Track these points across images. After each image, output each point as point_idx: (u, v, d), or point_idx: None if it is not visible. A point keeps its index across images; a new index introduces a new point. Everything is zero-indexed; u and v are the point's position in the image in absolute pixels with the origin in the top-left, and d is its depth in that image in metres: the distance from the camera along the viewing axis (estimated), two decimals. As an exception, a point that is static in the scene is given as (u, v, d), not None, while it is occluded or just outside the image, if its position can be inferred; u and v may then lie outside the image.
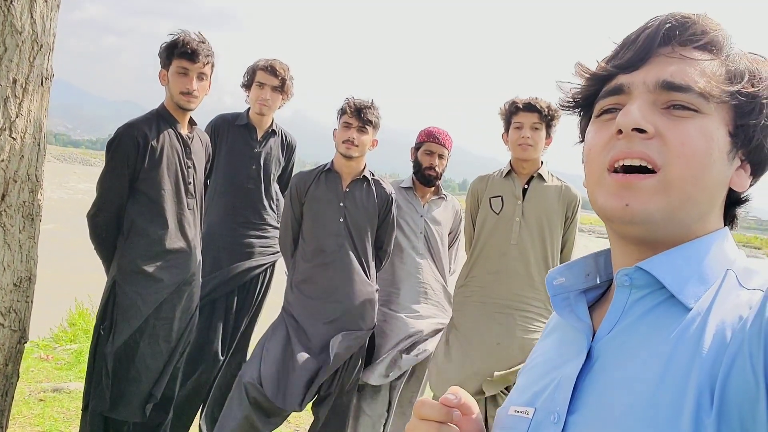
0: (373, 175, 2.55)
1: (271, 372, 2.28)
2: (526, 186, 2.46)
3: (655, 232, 0.61)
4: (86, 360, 4.15)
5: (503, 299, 2.41)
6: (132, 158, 2.15)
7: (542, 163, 2.50)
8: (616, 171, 0.62)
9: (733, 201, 0.67)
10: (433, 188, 2.81)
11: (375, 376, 2.60)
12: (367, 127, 2.41)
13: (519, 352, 2.38)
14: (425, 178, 2.73)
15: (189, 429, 2.81)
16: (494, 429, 0.71)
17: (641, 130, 0.59)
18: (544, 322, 2.42)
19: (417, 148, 2.78)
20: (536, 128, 2.39)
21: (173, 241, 2.23)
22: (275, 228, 2.91)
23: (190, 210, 2.30)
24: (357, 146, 2.41)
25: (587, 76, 0.68)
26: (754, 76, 0.62)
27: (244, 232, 2.80)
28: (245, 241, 2.81)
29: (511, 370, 2.35)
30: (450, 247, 2.90)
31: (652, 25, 0.63)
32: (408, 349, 2.61)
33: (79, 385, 3.71)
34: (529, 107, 2.38)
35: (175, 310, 2.27)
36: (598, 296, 0.72)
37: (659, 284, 0.59)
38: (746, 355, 0.48)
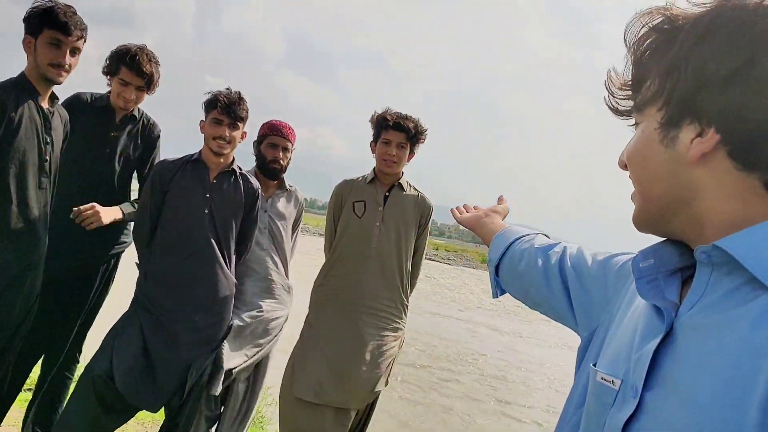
0: (240, 169, 2.64)
1: (125, 367, 2.28)
2: (387, 193, 2.79)
3: (650, 230, 0.74)
4: None
5: (360, 299, 2.68)
6: None
7: (402, 173, 2.87)
8: None
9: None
10: (276, 182, 2.91)
11: (214, 388, 2.70)
12: (238, 123, 2.52)
13: (370, 350, 2.67)
14: (270, 171, 2.82)
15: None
16: (579, 384, 0.81)
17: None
18: (395, 320, 2.78)
19: (260, 141, 2.88)
20: (402, 146, 2.72)
21: (19, 220, 2.14)
22: None
23: (41, 189, 2.23)
24: (229, 143, 2.51)
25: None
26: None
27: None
28: (93, 230, 2.73)
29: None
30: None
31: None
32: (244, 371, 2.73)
33: None
34: (399, 127, 2.69)
35: (16, 296, 2.17)
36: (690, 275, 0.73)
37: (738, 262, 0.59)
38: None
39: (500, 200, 1.40)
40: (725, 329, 0.57)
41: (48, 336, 2.71)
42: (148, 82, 2.74)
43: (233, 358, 2.71)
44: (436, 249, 49.70)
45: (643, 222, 0.74)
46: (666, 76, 0.65)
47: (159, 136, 2.98)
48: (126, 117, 2.84)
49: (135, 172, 2.96)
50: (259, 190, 2.69)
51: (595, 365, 0.76)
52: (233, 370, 2.72)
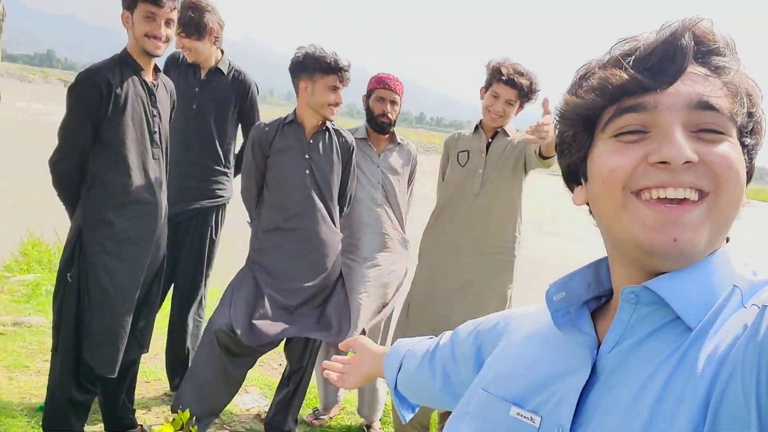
0: (333, 125, 2.69)
1: (243, 316, 2.49)
2: (490, 140, 2.70)
3: (691, 262, 0.61)
4: (44, 293, 4.38)
5: (467, 244, 2.68)
6: (94, 106, 2.19)
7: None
8: (640, 195, 0.61)
9: None
10: (387, 136, 2.96)
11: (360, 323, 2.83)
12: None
13: (483, 291, 2.69)
14: (379, 125, 2.87)
15: None
16: (478, 419, 0.74)
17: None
18: (505, 256, 2.70)
19: (368, 95, 2.90)
20: (510, 104, 2.61)
21: (139, 192, 2.31)
22: (221, 173, 2.99)
23: (155, 160, 2.38)
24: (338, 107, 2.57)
25: (598, 90, 0.65)
26: (750, 95, 0.63)
27: (181, 172, 2.82)
28: (183, 183, 2.84)
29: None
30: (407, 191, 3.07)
31: (673, 37, 0.61)
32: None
33: (39, 320, 3.87)
34: (511, 83, 2.55)
35: (143, 261, 2.39)
36: (599, 305, 0.74)
37: (665, 303, 0.60)
38: (739, 380, 0.50)
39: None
40: (650, 370, 0.59)
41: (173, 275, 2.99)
42: (195, 25, 2.76)
43: (364, 316, 2.84)
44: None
45: (704, 245, 0.61)
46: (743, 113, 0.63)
47: (252, 90, 3.01)
48: (212, 71, 2.90)
49: (240, 127, 3.05)
50: (353, 144, 2.73)
51: (503, 398, 0.74)
52: (365, 328, 2.87)
